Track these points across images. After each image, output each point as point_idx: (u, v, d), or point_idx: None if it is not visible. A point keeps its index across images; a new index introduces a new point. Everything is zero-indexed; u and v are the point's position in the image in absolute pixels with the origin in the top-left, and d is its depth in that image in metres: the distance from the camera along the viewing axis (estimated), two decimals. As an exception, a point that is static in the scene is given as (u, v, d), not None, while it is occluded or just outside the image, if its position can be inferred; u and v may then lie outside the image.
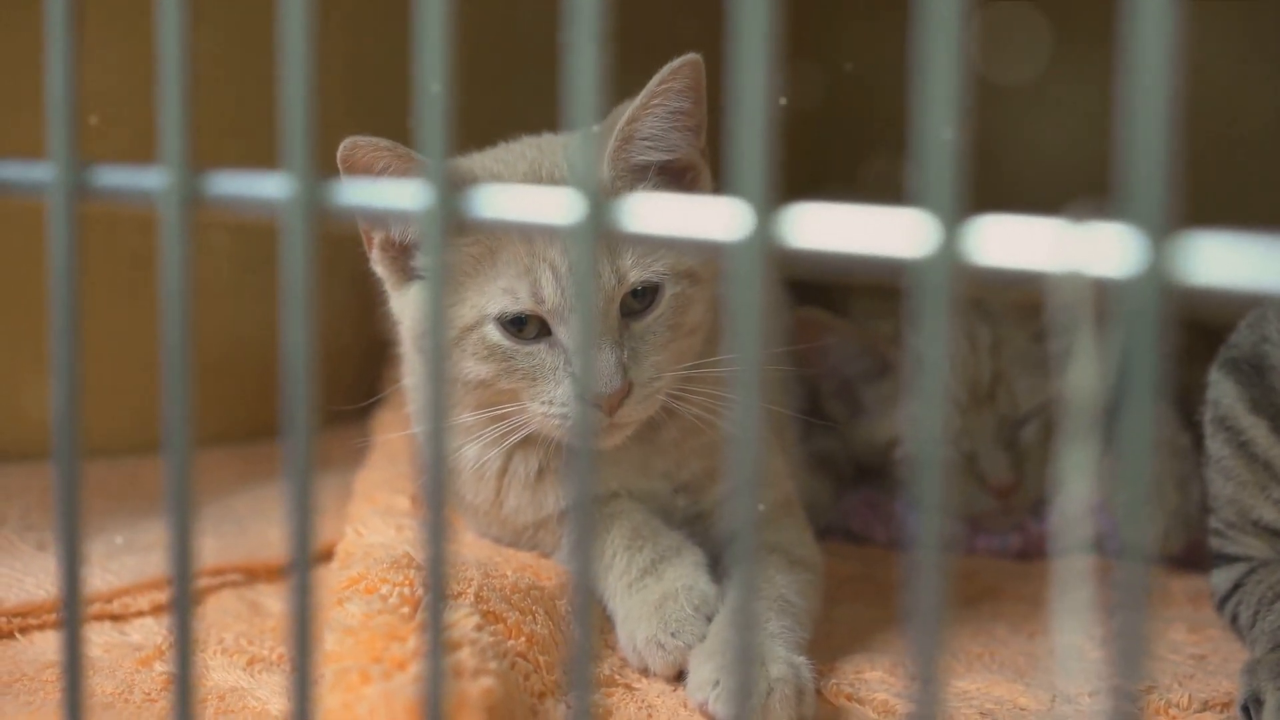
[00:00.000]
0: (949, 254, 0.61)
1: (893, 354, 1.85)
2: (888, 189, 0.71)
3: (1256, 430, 1.43)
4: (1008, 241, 0.61)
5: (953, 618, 1.57)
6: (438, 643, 0.78)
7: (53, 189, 0.84)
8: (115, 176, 0.84)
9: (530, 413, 1.37)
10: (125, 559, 1.58)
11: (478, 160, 1.45)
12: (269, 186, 0.78)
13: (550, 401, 1.36)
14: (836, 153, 2.61)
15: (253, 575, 1.63)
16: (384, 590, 1.21)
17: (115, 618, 1.48)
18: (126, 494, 1.81)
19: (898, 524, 1.86)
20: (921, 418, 0.64)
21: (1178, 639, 1.49)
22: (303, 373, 0.79)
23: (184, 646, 0.85)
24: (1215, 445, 1.48)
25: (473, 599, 1.23)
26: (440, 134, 0.73)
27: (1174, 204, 0.58)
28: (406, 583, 1.22)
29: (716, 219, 0.67)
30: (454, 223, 0.74)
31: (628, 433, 1.40)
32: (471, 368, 1.37)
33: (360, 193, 0.77)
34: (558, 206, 0.71)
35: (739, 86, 0.65)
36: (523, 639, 1.24)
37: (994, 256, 0.61)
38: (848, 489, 1.91)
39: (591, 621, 0.75)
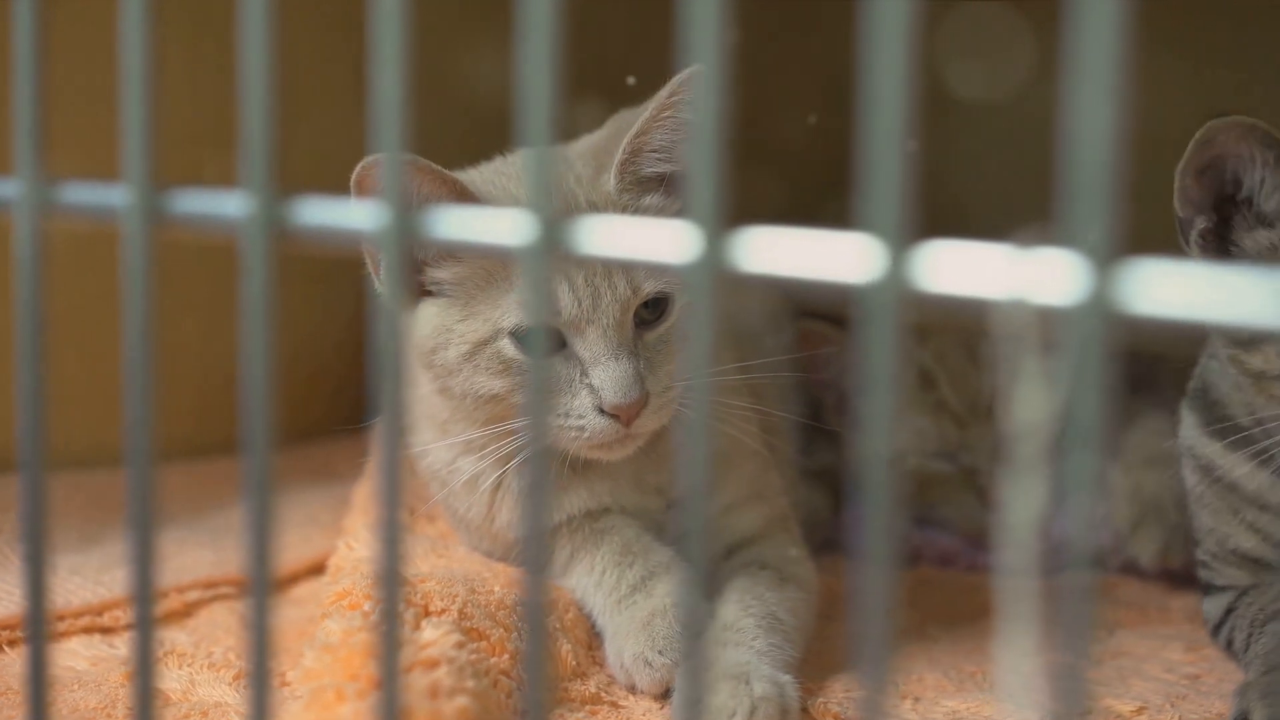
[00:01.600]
0: (895, 280, 0.61)
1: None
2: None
3: (1216, 454, 1.43)
4: (954, 267, 0.60)
5: (946, 635, 1.57)
6: (393, 666, 0.77)
7: (18, 205, 0.84)
8: (79, 194, 0.84)
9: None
10: (117, 572, 1.58)
11: (475, 175, 1.45)
12: (229, 205, 0.77)
13: (567, 414, 1.35)
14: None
15: (244, 589, 1.62)
16: (367, 607, 1.21)
17: (105, 630, 1.48)
18: (120, 505, 1.81)
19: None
20: (870, 444, 0.63)
21: (1174, 658, 1.48)
22: (261, 391, 0.78)
23: (145, 669, 0.85)
24: (1188, 477, 1.50)
25: (456, 616, 1.23)
26: (397, 154, 0.72)
27: (1118, 231, 0.57)
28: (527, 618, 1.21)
29: (669, 242, 0.66)
30: (411, 243, 0.73)
31: (640, 443, 1.39)
32: (484, 382, 1.36)
33: (318, 212, 0.76)
34: (514, 228, 0.70)
35: (696, 109, 0.65)
36: (506, 656, 1.23)
37: (941, 283, 0.61)
38: (848, 503, 1.90)
39: (543, 647, 0.74)
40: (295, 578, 1.67)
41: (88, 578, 1.55)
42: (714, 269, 0.65)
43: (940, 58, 2.12)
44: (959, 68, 2.21)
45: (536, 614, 0.75)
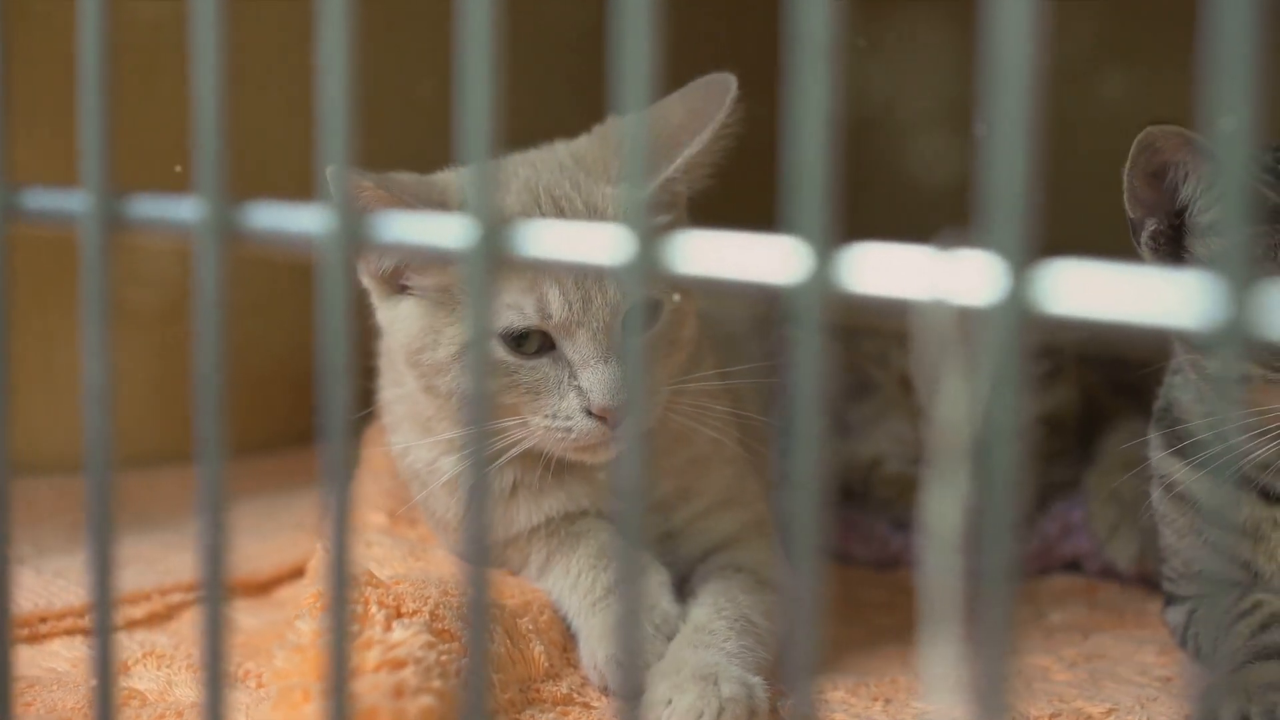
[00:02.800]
0: (820, 281, 0.62)
1: (876, 373, 1.85)
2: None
3: (1179, 473, 1.43)
4: (878, 269, 0.61)
5: (959, 641, 1.57)
6: (342, 671, 0.78)
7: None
8: (41, 200, 0.85)
9: (532, 426, 1.37)
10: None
11: (465, 176, 1.45)
12: (183, 210, 0.79)
13: (554, 415, 1.36)
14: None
15: (229, 591, 1.63)
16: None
17: (87, 632, 1.49)
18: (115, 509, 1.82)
19: (880, 543, 1.86)
20: (801, 445, 0.64)
21: (1147, 661, 1.49)
22: (215, 398, 0.79)
23: (105, 673, 0.86)
24: (1155, 496, 1.49)
25: (428, 617, 1.24)
26: (344, 156, 0.74)
27: (1034, 232, 0.58)
28: (362, 600, 1.22)
29: (601, 245, 0.67)
30: (356, 247, 0.74)
31: (624, 446, 1.40)
32: (470, 384, 1.37)
33: (270, 216, 0.77)
34: (454, 232, 0.71)
35: (623, 97, 0.66)
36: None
37: (865, 284, 0.62)
38: (831, 508, 1.90)
39: (484, 653, 0.76)
40: (279, 580, 1.68)
41: (72, 580, 1.56)
42: (644, 271, 0.66)
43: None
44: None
45: (480, 611, 0.76)
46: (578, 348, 1.33)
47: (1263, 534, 1.41)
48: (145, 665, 1.38)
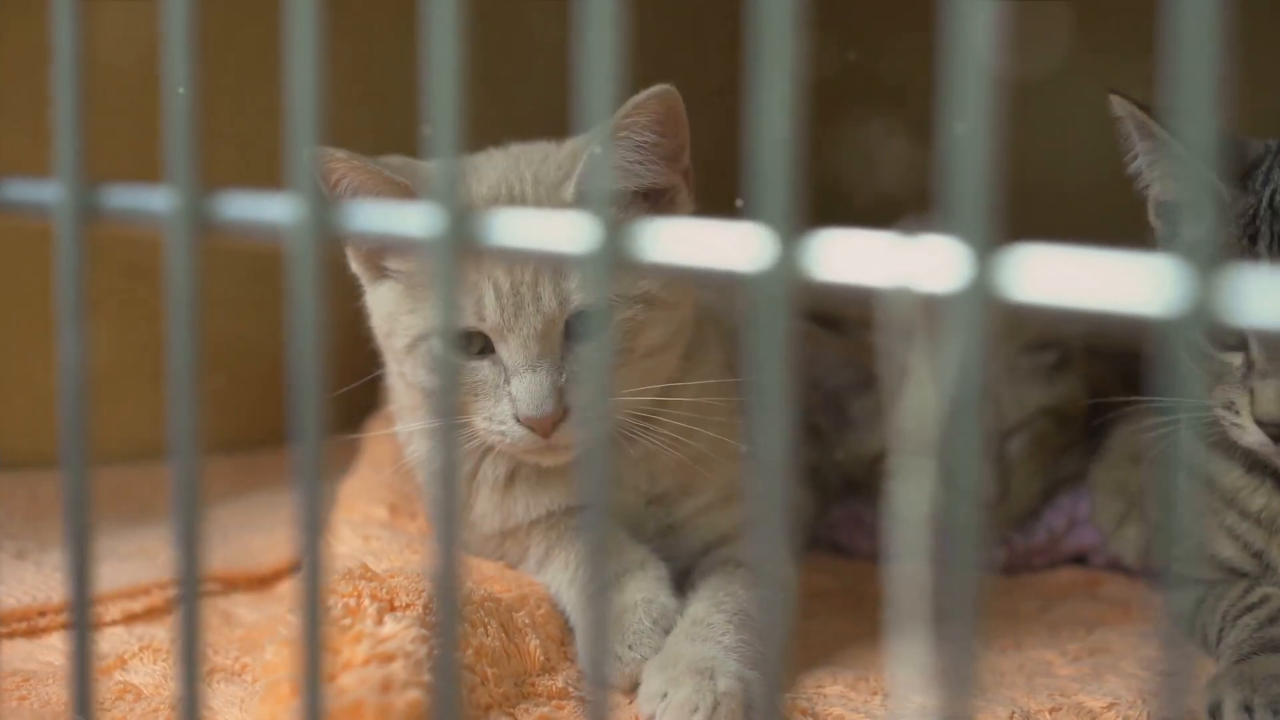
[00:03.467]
0: (785, 268, 0.61)
1: (879, 367, 1.84)
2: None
3: (1201, 454, 1.42)
4: (842, 255, 0.60)
5: (927, 633, 1.56)
6: (316, 664, 0.77)
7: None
8: (14, 191, 0.84)
9: (476, 426, 1.37)
10: (103, 568, 1.58)
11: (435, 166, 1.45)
12: (155, 200, 0.78)
13: (490, 418, 1.36)
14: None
15: (231, 585, 1.64)
16: (332, 602, 1.21)
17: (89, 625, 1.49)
18: (115, 501, 1.82)
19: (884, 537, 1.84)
20: (764, 433, 0.63)
21: (1151, 655, 1.47)
22: (187, 393, 0.79)
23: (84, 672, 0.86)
24: (1181, 479, 1.48)
25: (420, 611, 1.23)
26: (310, 143, 0.73)
27: (997, 218, 0.57)
28: (354, 594, 1.22)
29: (567, 232, 0.67)
30: (325, 236, 0.74)
31: (572, 453, 1.39)
32: (423, 376, 1.38)
33: (240, 206, 0.77)
34: (419, 221, 0.71)
35: (585, 100, 0.65)
36: (470, 651, 1.24)
37: (830, 271, 0.61)
38: (834, 502, 1.90)
39: (452, 644, 0.75)
40: (281, 574, 1.68)
41: (69, 573, 1.56)
42: (611, 259, 0.65)
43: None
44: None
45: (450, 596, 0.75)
46: (510, 353, 1.34)
47: (1278, 526, 1.40)
48: (142, 659, 1.38)
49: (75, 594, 0.86)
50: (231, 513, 1.86)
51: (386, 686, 1.05)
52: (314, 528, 0.76)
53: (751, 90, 0.60)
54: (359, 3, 2.04)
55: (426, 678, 1.10)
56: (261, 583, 1.67)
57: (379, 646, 1.11)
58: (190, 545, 0.80)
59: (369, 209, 0.73)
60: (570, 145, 1.44)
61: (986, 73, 0.56)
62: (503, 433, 1.36)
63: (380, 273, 1.43)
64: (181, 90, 0.77)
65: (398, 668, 1.09)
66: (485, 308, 1.32)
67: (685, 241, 0.64)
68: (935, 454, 0.60)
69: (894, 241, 0.59)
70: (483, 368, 1.35)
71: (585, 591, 1.42)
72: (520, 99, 1.92)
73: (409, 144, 1.41)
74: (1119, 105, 1.37)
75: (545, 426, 1.32)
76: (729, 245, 0.62)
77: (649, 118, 1.33)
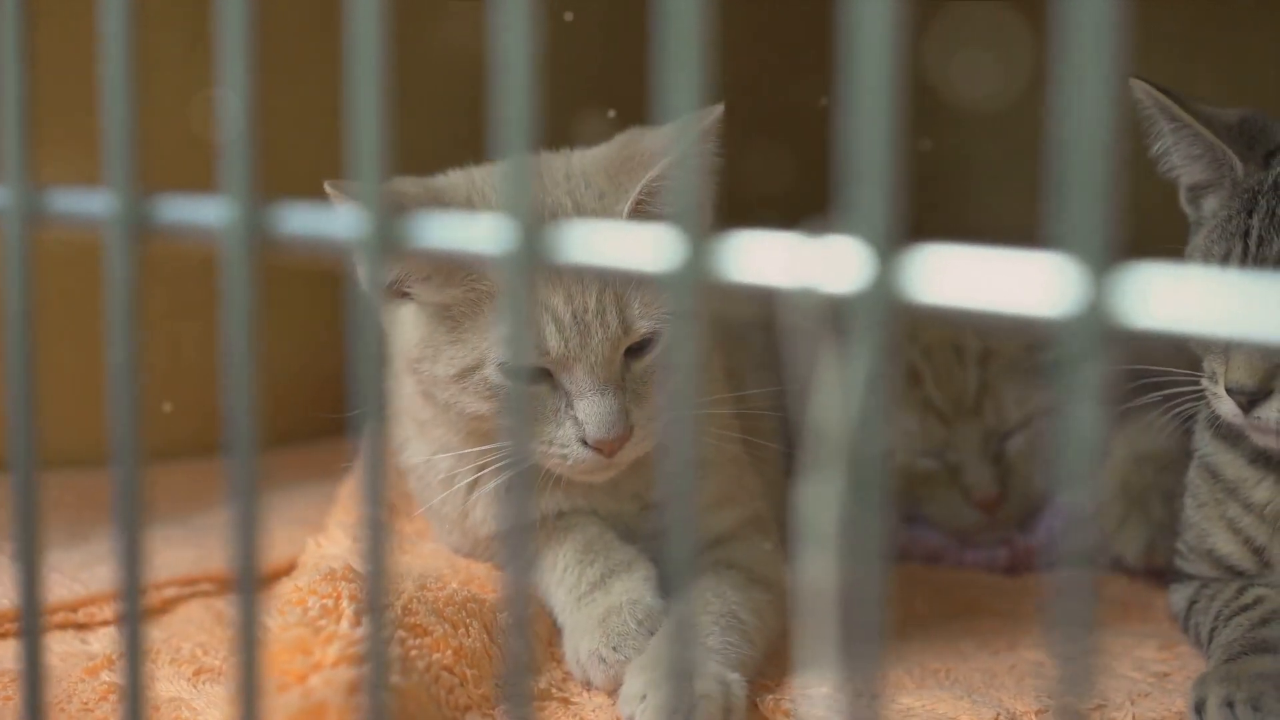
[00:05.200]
0: (695, 269, 0.61)
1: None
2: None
3: (1207, 444, 1.42)
4: (752, 257, 0.60)
5: (920, 632, 1.55)
6: (251, 660, 0.77)
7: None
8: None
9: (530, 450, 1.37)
10: (96, 569, 1.60)
11: (455, 179, 1.45)
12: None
13: (550, 442, 1.36)
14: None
15: (225, 586, 1.64)
16: (310, 602, 1.21)
17: (80, 626, 1.50)
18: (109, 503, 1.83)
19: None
20: (676, 432, 0.63)
21: (1146, 656, 1.46)
22: (128, 401, 0.79)
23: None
24: (1190, 472, 1.48)
25: (399, 611, 1.23)
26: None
27: (899, 218, 0.56)
28: (333, 594, 1.22)
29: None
30: (259, 242, 0.73)
31: (623, 468, 1.40)
32: (470, 403, 1.36)
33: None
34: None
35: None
36: (449, 652, 1.24)
37: (740, 272, 0.60)
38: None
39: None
40: (278, 575, 1.68)
41: (66, 574, 1.57)
42: (530, 261, 0.65)
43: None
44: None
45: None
46: (575, 380, 1.33)
47: None
48: (129, 659, 1.38)
49: (25, 604, 0.85)
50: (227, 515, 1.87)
51: (354, 688, 1.05)
52: (249, 541, 0.76)
53: (658, 98, 0.60)
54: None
55: (396, 679, 1.10)
56: (260, 584, 1.67)
57: (349, 648, 1.11)
58: (131, 554, 0.80)
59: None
60: (601, 160, 1.42)
61: (886, 71, 0.55)
62: (565, 455, 1.36)
63: (398, 294, 1.41)
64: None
65: (368, 670, 1.08)
66: (547, 341, 1.32)
67: (600, 243, 0.63)
68: (844, 457, 0.60)
69: (798, 243, 0.58)
70: (540, 393, 1.35)
71: (574, 592, 1.41)
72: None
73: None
74: (1140, 89, 1.37)
75: (613, 448, 1.32)
76: (640, 247, 0.62)
77: (715, 142, 1.34)
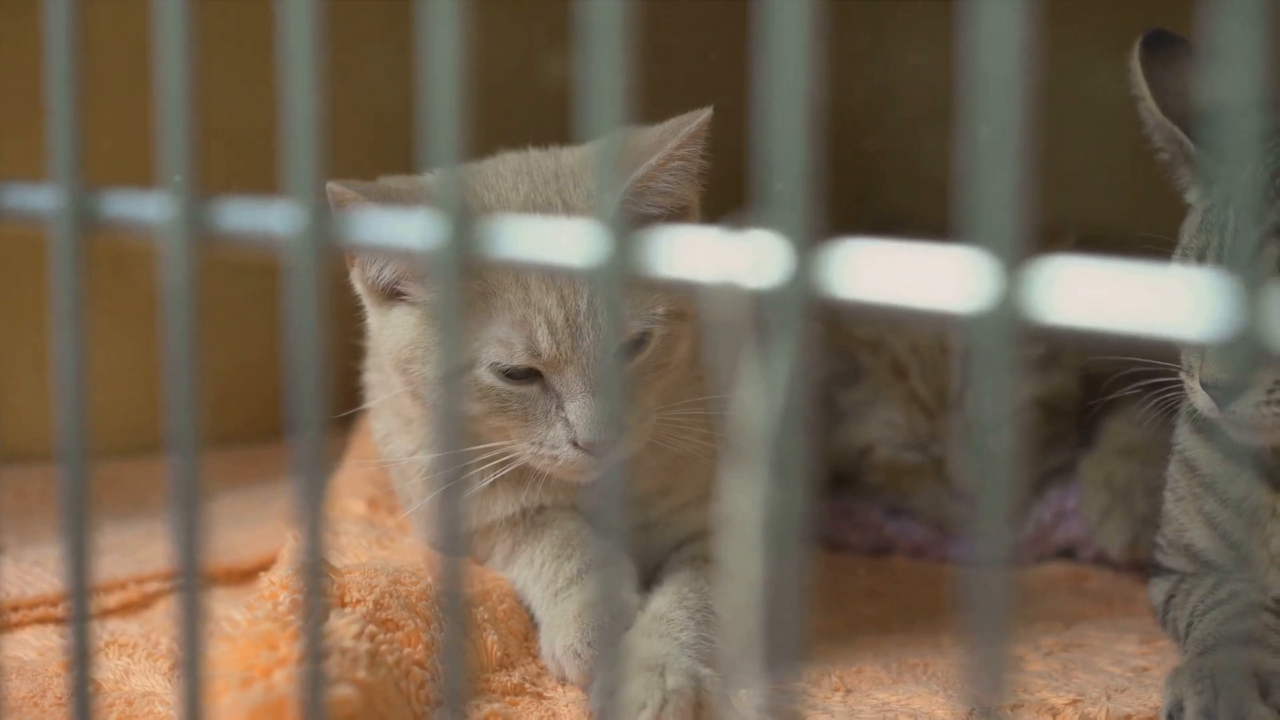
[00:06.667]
0: (618, 264, 0.60)
1: (867, 359, 1.83)
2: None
3: (1185, 437, 1.42)
4: (674, 251, 0.60)
5: (902, 626, 1.55)
6: (195, 658, 0.77)
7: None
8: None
9: (519, 450, 1.37)
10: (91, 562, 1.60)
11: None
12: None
13: (541, 443, 1.35)
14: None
15: (211, 580, 1.64)
16: (281, 598, 1.21)
17: (59, 621, 1.50)
18: (103, 495, 1.83)
19: (874, 530, 1.84)
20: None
21: (1126, 650, 1.46)
22: (75, 397, 0.79)
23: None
24: (1170, 465, 1.47)
25: (371, 606, 1.23)
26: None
27: (816, 214, 0.56)
28: (303, 589, 1.22)
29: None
30: (199, 236, 0.73)
31: (610, 467, 1.39)
32: (466, 406, 1.35)
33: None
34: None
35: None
36: (421, 646, 1.23)
37: (662, 267, 0.60)
38: (824, 496, 1.88)
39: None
40: (262, 569, 1.68)
41: (49, 569, 1.57)
42: (459, 257, 0.65)
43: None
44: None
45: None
46: (566, 382, 1.33)
47: (1259, 519, 1.38)
48: (107, 654, 1.39)
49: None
50: (220, 507, 1.87)
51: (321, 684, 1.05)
52: (191, 544, 0.76)
53: (581, 91, 0.60)
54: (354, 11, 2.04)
55: (362, 674, 1.10)
56: (244, 577, 1.68)
57: (319, 643, 1.11)
58: (79, 557, 0.80)
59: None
60: (590, 159, 1.42)
61: (802, 68, 0.55)
62: (555, 456, 1.35)
63: (393, 297, 1.41)
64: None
65: (331, 664, 1.09)
66: (539, 343, 1.31)
67: (525, 238, 0.63)
68: (766, 453, 0.59)
69: (718, 237, 0.58)
70: (531, 394, 1.35)
71: (550, 587, 1.41)
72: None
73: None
74: (1136, 58, 1.36)
75: (603, 448, 1.32)
76: (564, 240, 0.62)
77: (699, 143, 1.34)
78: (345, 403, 1.79)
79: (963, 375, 1.79)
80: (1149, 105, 1.34)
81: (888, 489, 1.83)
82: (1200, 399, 1.27)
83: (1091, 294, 0.51)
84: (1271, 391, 1.21)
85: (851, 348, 1.83)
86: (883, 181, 2.42)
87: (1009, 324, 0.52)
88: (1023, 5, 0.50)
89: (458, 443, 0.72)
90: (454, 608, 0.71)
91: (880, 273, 0.55)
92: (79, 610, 0.81)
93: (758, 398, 0.59)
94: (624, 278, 0.60)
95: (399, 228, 0.68)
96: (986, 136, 0.51)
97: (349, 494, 1.67)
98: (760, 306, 0.57)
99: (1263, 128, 1.29)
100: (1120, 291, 0.51)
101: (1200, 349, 1.27)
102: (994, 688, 0.56)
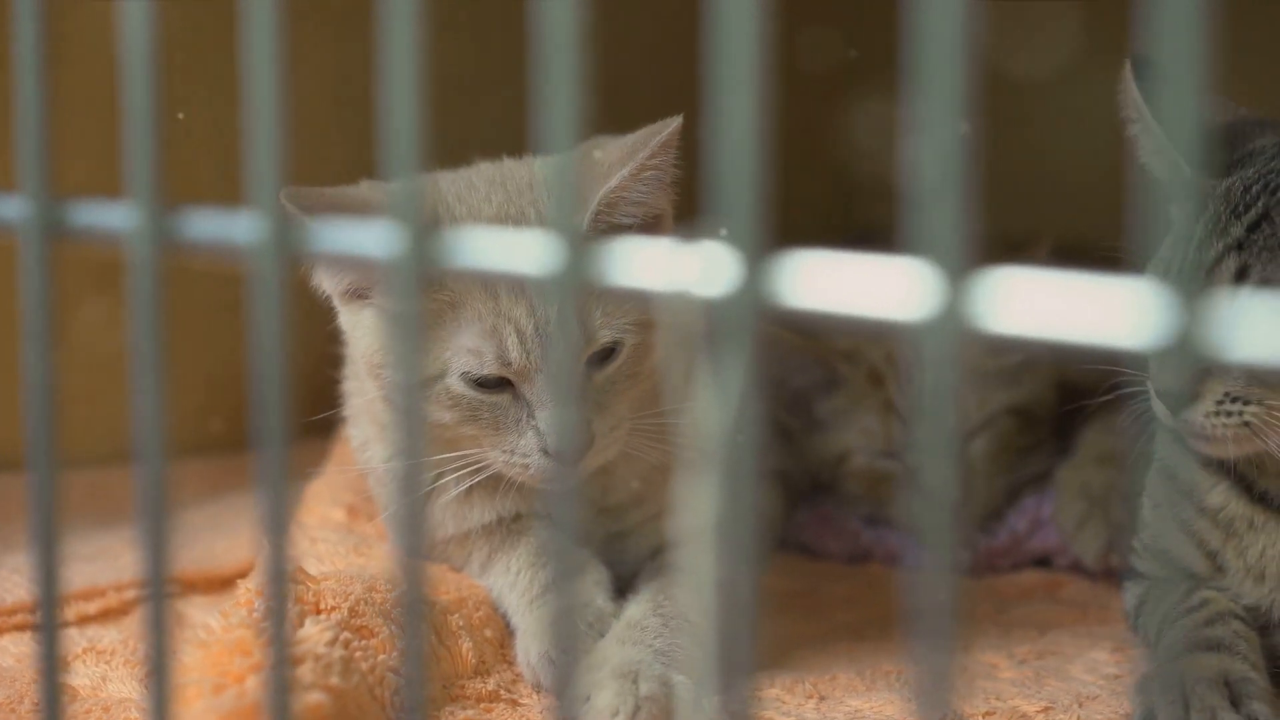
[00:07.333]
0: (573, 273, 0.61)
1: (845, 368, 1.83)
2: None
3: (1167, 446, 1.42)
4: (628, 261, 0.61)
5: (877, 634, 1.56)
6: (161, 664, 0.78)
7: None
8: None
9: (491, 458, 1.37)
10: (63, 569, 1.60)
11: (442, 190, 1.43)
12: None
13: (512, 451, 1.36)
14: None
15: (190, 587, 1.65)
16: (257, 603, 1.22)
17: (39, 627, 1.50)
18: (84, 503, 1.84)
19: (852, 538, 1.85)
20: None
21: (1100, 658, 1.47)
22: (44, 407, 0.80)
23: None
24: (1151, 474, 1.48)
25: (345, 614, 1.24)
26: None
27: (768, 223, 0.57)
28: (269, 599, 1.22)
29: (373, 242, 0.67)
30: (164, 246, 0.74)
31: (584, 475, 1.40)
32: (433, 412, 1.35)
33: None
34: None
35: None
36: (394, 653, 1.24)
37: (617, 276, 0.61)
38: (802, 503, 1.89)
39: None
40: (240, 576, 1.69)
41: (27, 576, 1.58)
42: (418, 267, 0.66)
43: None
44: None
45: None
46: (536, 391, 1.33)
47: (1236, 530, 1.38)
48: (84, 661, 1.39)
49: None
50: (203, 515, 1.88)
51: (289, 689, 1.06)
52: (158, 551, 0.77)
53: (535, 95, 0.61)
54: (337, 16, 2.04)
55: (335, 680, 1.11)
56: (222, 584, 1.68)
57: (289, 649, 1.12)
58: (49, 567, 0.80)
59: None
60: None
61: (753, 80, 0.56)
62: (526, 465, 1.36)
63: (359, 296, 1.41)
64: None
65: (304, 670, 1.09)
66: (509, 352, 1.31)
67: (483, 248, 0.64)
68: (719, 461, 0.60)
69: (670, 247, 0.59)
70: (502, 402, 1.35)
71: (526, 595, 1.42)
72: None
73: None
74: (1129, 70, 1.35)
75: (574, 457, 1.32)
76: (520, 250, 0.62)
77: (672, 153, 1.35)
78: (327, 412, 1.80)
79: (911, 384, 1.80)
80: (1149, 126, 1.33)
81: (865, 496, 1.84)
82: (1158, 406, 1.28)
83: (1034, 304, 0.52)
84: (1220, 403, 1.22)
85: (829, 358, 1.84)
86: (860, 195, 2.43)
87: (953, 332, 0.53)
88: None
89: (420, 451, 0.72)
90: (413, 612, 0.72)
91: (829, 282, 0.55)
92: (48, 620, 0.82)
93: (711, 406, 0.60)
94: (580, 287, 0.61)
95: (360, 238, 0.69)
96: (929, 151, 0.52)
97: (329, 501, 1.67)
98: (712, 315, 0.58)
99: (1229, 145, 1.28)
100: (1062, 301, 0.52)
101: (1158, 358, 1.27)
102: (936, 702, 0.56)
